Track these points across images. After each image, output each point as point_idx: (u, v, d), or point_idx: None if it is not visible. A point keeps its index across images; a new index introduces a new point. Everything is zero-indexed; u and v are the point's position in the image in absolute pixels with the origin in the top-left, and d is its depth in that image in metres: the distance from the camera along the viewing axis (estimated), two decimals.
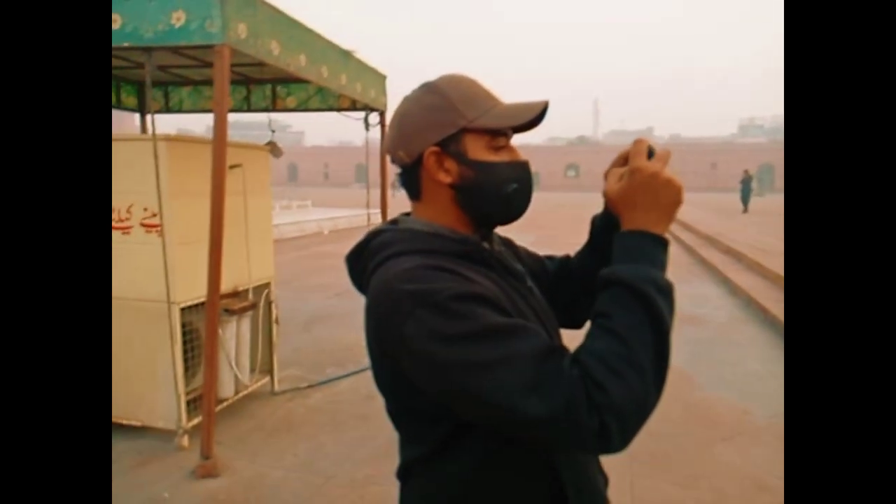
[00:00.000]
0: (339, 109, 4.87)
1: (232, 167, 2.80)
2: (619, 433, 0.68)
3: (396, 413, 0.90)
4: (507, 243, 1.02)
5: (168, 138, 2.87)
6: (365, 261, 0.89)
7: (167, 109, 5.04)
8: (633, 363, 0.69)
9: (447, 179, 0.85)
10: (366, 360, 4.57)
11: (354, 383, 4.13)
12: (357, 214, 19.75)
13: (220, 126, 2.63)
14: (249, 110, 4.96)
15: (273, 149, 3.86)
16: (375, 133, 4.72)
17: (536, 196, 0.99)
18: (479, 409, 0.73)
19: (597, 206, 1.02)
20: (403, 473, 0.94)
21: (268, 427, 3.41)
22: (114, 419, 3.21)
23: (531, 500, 0.86)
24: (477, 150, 0.84)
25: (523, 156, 0.89)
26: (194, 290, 3.08)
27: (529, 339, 0.73)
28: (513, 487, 0.85)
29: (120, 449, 3.09)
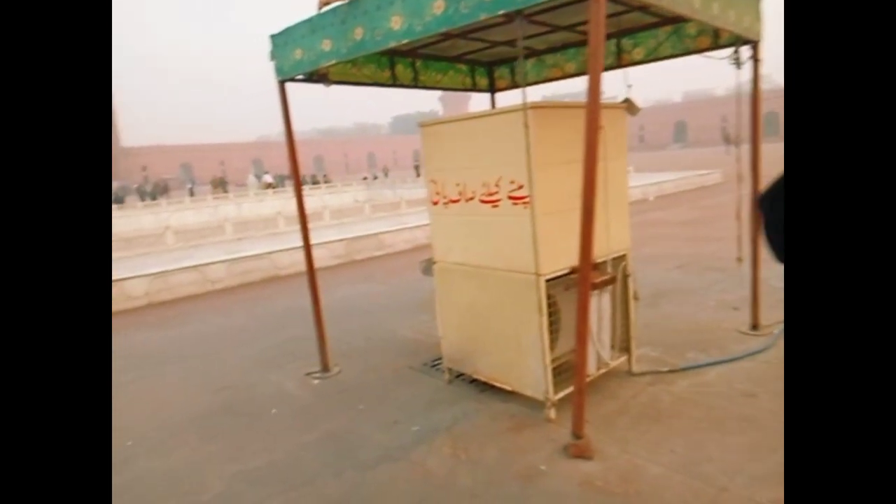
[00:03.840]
0: (696, 51, 4.13)
1: None
2: None
3: None
4: None
5: (535, 106, 2.78)
6: None
7: (513, 85, 5.19)
8: None
9: None
10: (733, 348, 3.94)
11: (726, 374, 3.49)
12: (684, 177, 17.88)
13: (594, 82, 2.38)
14: None
15: (630, 107, 3.48)
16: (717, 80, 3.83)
17: None
18: None
19: None
20: None
21: (632, 412, 3.14)
22: (488, 380, 3.44)
23: None
24: None
25: None
26: (555, 261, 2.99)
27: None
28: None
29: (497, 409, 3.28)
